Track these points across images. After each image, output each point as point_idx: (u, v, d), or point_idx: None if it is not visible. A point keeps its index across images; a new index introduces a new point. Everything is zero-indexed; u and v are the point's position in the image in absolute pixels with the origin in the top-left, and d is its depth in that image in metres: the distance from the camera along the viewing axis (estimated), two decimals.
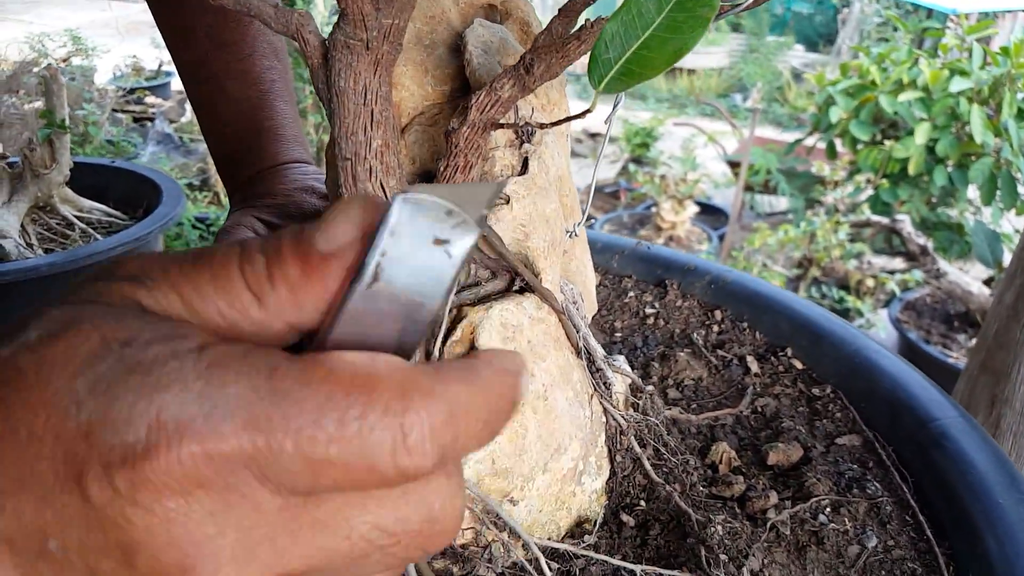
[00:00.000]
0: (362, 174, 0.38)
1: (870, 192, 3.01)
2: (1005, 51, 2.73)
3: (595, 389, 0.46)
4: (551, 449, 0.42)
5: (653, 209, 3.49)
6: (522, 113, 0.44)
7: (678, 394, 0.60)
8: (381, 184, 0.38)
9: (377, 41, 0.36)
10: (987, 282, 2.67)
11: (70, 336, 0.17)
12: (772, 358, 0.64)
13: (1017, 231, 2.73)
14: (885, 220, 2.70)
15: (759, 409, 0.60)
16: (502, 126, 0.37)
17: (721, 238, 3.40)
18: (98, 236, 1.34)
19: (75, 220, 1.34)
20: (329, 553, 0.17)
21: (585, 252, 0.53)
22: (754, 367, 0.63)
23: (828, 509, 0.51)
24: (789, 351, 0.65)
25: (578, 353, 0.45)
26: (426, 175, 0.43)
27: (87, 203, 1.39)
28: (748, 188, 3.62)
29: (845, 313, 2.80)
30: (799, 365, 0.64)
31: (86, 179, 1.49)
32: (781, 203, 3.82)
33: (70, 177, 1.36)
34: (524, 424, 0.40)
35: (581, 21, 0.39)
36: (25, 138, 1.19)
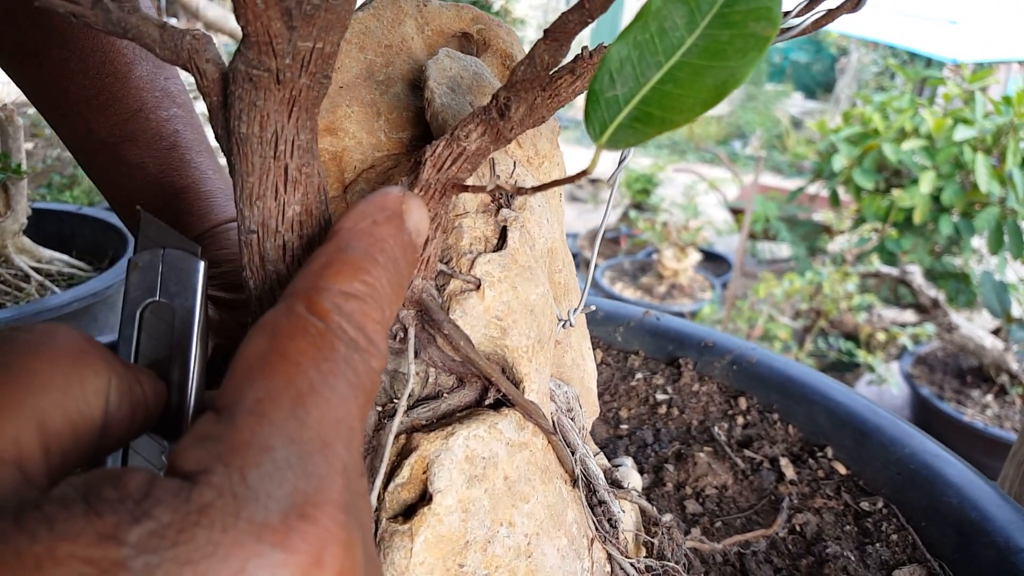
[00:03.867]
0: (272, 252, 0.27)
1: (875, 242, 2.94)
2: (1007, 100, 2.70)
3: (596, 530, 0.34)
4: None
5: (654, 256, 3.40)
6: (501, 169, 0.34)
7: (698, 507, 0.49)
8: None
9: (292, 72, 0.25)
10: (996, 331, 2.58)
11: None
12: (810, 460, 0.53)
13: (1022, 280, 2.66)
14: (895, 271, 2.61)
15: (798, 528, 0.48)
16: (468, 188, 0.27)
17: (724, 286, 3.30)
18: (56, 289, 1.24)
19: (31, 272, 1.23)
20: None
21: (584, 339, 0.42)
22: (789, 472, 0.52)
23: None
24: (829, 451, 0.53)
25: (574, 482, 0.34)
26: None
27: (47, 253, 1.29)
28: (750, 236, 3.55)
29: (855, 367, 2.68)
30: (842, 470, 0.52)
31: (50, 227, 1.40)
32: (783, 250, 3.74)
33: (32, 225, 1.26)
34: None
35: (576, 49, 0.29)
36: None
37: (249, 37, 0.25)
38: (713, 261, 3.76)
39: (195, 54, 0.27)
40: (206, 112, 0.28)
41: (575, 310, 0.36)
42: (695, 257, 3.35)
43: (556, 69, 0.27)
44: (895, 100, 3.10)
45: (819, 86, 7.13)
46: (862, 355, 2.60)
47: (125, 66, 0.53)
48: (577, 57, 0.28)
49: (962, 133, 2.69)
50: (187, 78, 1.77)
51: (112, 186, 0.55)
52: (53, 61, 0.52)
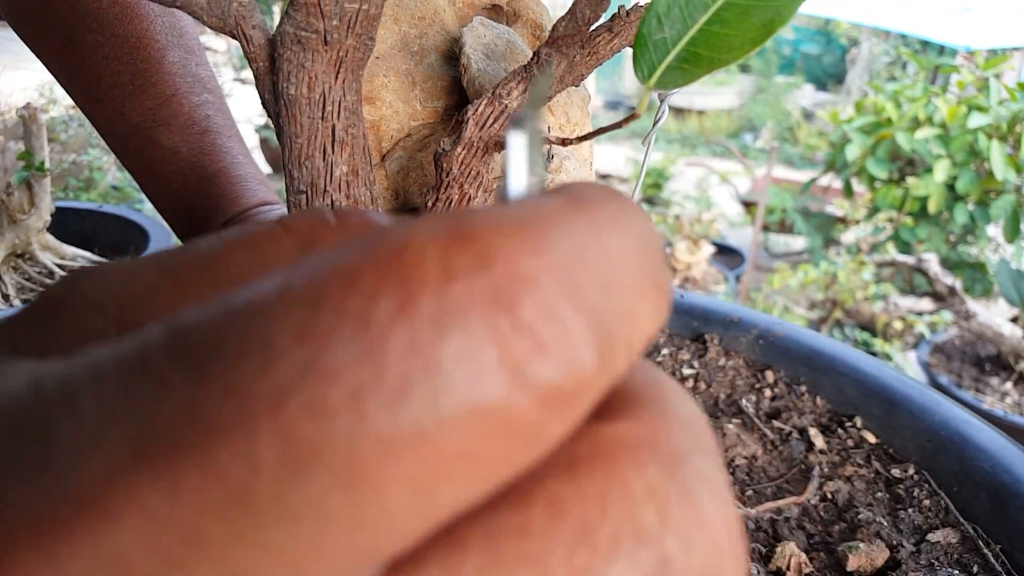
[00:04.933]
0: None
1: (890, 231, 2.92)
2: (1022, 86, 2.67)
3: None
4: None
5: (667, 250, 3.40)
6: None
7: (729, 477, 0.49)
8: None
9: (339, 33, 0.26)
10: (1014, 320, 2.56)
11: None
12: (839, 430, 0.53)
13: None
14: (910, 260, 2.60)
15: (829, 496, 0.49)
16: None
17: (738, 279, 3.29)
18: None
19: (56, 269, 1.25)
20: None
21: None
22: (818, 442, 0.52)
23: None
24: (858, 421, 0.54)
25: None
26: (412, 213, 0.33)
27: (70, 250, 1.31)
28: (764, 228, 3.54)
29: (872, 356, 2.67)
30: (871, 439, 0.53)
31: (72, 225, 1.41)
32: (797, 243, 3.73)
33: (54, 223, 1.28)
34: None
35: (613, 8, 0.29)
36: (4, 183, 1.11)
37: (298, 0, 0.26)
38: (726, 254, 3.75)
39: (241, 20, 0.28)
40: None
41: None
42: (708, 250, 3.34)
43: (595, 27, 0.28)
44: (908, 89, 3.08)
45: (830, 77, 7.09)
46: (879, 344, 2.59)
47: (158, 52, 0.54)
48: (614, 16, 0.28)
49: (976, 120, 2.67)
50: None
51: (146, 171, 0.56)
52: (88, 46, 0.53)
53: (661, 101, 0.32)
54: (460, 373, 0.07)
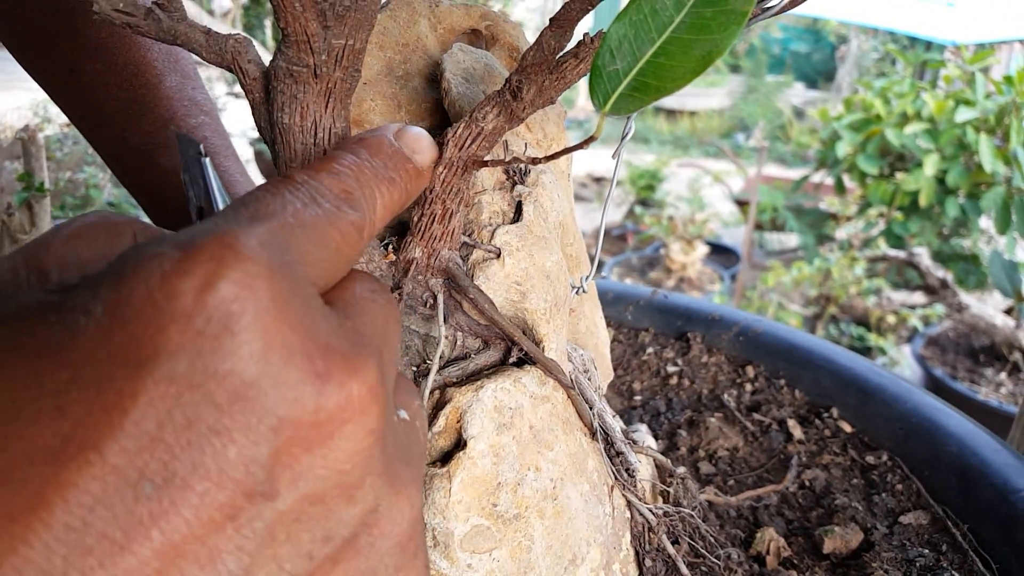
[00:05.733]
0: None
1: (882, 226, 2.95)
2: (1008, 80, 2.70)
3: (615, 478, 0.37)
4: (565, 561, 0.33)
5: (662, 251, 3.43)
6: (513, 150, 0.37)
7: (711, 468, 0.52)
8: None
9: (327, 67, 0.29)
10: (1007, 311, 2.59)
11: None
12: (816, 421, 0.56)
13: None
14: (902, 254, 2.63)
15: (807, 483, 0.51)
16: (487, 164, 0.30)
17: (733, 278, 3.32)
18: None
19: None
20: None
21: (596, 309, 0.45)
22: (797, 432, 0.54)
23: None
24: (835, 412, 0.56)
25: (593, 435, 0.37)
26: (399, 227, 0.35)
27: None
28: (757, 226, 3.56)
29: (867, 351, 2.70)
30: (848, 428, 0.55)
31: None
32: (791, 240, 3.76)
33: None
34: (529, 533, 0.32)
35: (578, 36, 0.32)
36: (4, 203, 1.13)
37: (289, 37, 0.29)
38: (721, 253, 3.78)
39: (238, 55, 0.31)
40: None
41: (587, 277, 0.39)
42: (702, 250, 3.37)
43: (562, 54, 0.30)
44: (896, 85, 3.11)
45: (820, 75, 7.14)
46: (873, 339, 2.62)
47: (156, 77, 0.56)
48: (580, 43, 0.31)
49: (964, 114, 2.69)
50: None
51: (147, 191, 0.58)
52: (89, 74, 0.55)
53: (628, 120, 0.34)
54: (330, 200, 0.21)
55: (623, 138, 0.34)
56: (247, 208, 0.18)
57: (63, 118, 3.91)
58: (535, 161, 0.27)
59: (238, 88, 4.00)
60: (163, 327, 0.14)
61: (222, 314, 0.14)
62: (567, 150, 0.26)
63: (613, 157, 0.34)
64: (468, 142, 0.30)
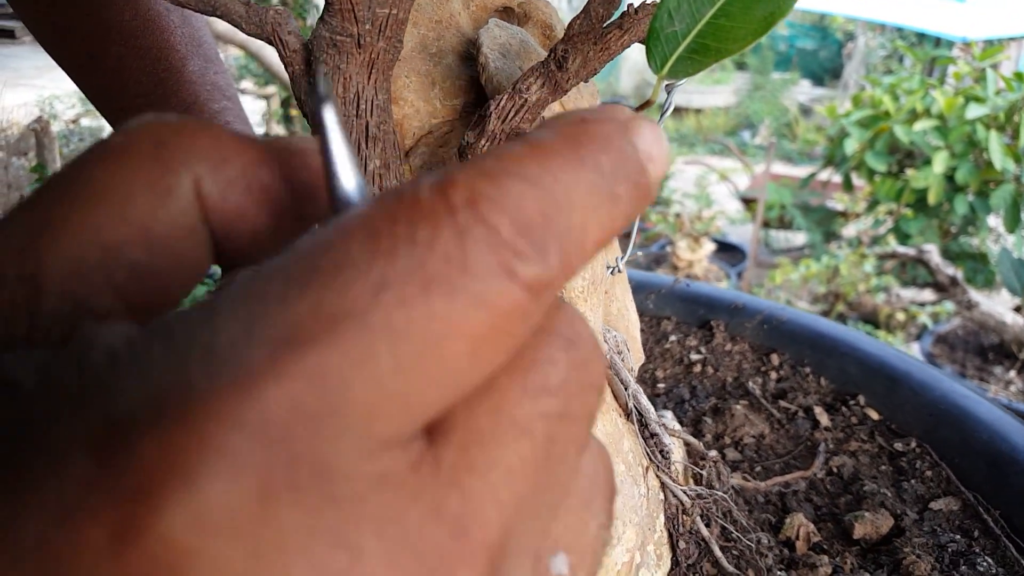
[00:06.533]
0: None
1: (890, 224, 2.94)
2: (1019, 76, 2.69)
3: (650, 460, 0.37)
4: None
5: (668, 248, 3.42)
6: None
7: (738, 455, 0.52)
8: None
9: (371, 36, 0.28)
10: (1016, 309, 2.57)
11: None
12: (843, 408, 0.55)
13: None
14: (911, 251, 2.62)
15: (835, 470, 0.51)
16: None
17: (739, 275, 3.31)
18: None
19: None
20: (520, 477, 0.11)
21: (627, 292, 0.44)
22: (823, 420, 0.54)
23: None
24: (861, 399, 0.56)
25: (627, 416, 0.37)
26: None
27: None
28: (764, 224, 3.55)
29: None
30: (875, 415, 0.55)
31: None
32: (797, 239, 3.74)
33: None
34: None
35: (623, 6, 0.31)
36: (13, 199, 1.13)
37: (332, 6, 0.28)
38: (728, 251, 3.77)
39: (278, 27, 0.31)
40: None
41: (623, 257, 0.39)
42: (709, 247, 3.36)
43: (606, 24, 0.30)
44: (905, 81, 3.09)
45: (826, 73, 7.12)
46: (882, 336, 2.61)
47: (179, 62, 0.56)
48: (624, 13, 0.30)
49: (974, 111, 2.67)
50: None
51: None
52: (112, 58, 0.55)
53: (668, 93, 0.34)
54: (478, 273, 0.10)
55: (663, 114, 0.34)
56: (303, 292, 0.10)
57: (69, 114, 3.92)
58: None
59: (242, 84, 4.01)
60: None
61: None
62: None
63: (660, 119, 0.34)
64: (511, 114, 0.30)
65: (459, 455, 0.11)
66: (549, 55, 0.29)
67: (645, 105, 0.23)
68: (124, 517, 0.08)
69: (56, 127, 3.66)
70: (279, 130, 3.46)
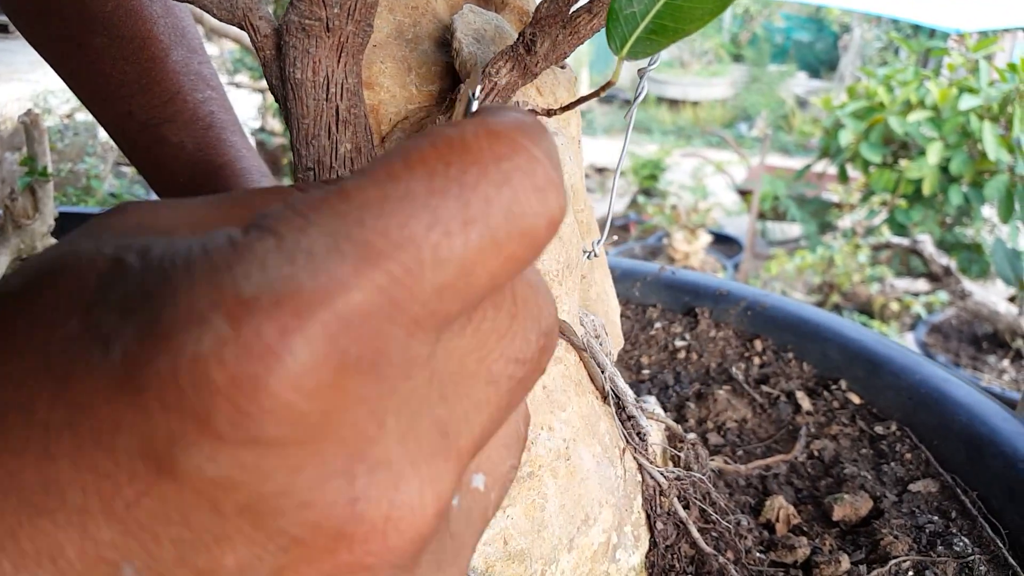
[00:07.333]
0: None
1: (885, 215, 2.94)
2: (1012, 67, 2.69)
3: (627, 441, 0.38)
4: (577, 521, 0.34)
5: (664, 240, 3.42)
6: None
7: (720, 439, 0.52)
8: None
9: (340, 20, 0.29)
10: (1010, 299, 2.58)
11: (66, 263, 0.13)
12: (824, 393, 0.56)
13: None
14: (905, 241, 2.62)
15: (816, 453, 0.51)
16: None
17: (736, 267, 3.32)
18: None
19: None
20: (484, 412, 0.14)
21: (606, 277, 0.45)
22: (805, 404, 0.54)
23: (911, 573, 0.43)
24: (843, 384, 0.56)
25: (604, 398, 0.37)
26: None
27: None
28: (760, 216, 3.56)
29: None
30: (856, 399, 0.55)
31: (74, 229, 1.44)
32: (793, 230, 3.75)
33: (59, 228, 1.30)
34: (542, 492, 0.32)
35: None
36: (5, 192, 1.13)
37: None
38: (724, 243, 3.77)
39: (249, 12, 0.31)
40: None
41: (598, 241, 0.39)
42: (705, 239, 3.36)
43: (575, 8, 0.30)
44: (899, 73, 3.09)
45: (823, 65, 7.11)
46: (876, 326, 2.61)
47: (162, 51, 0.56)
48: None
49: (968, 102, 2.68)
50: None
51: (154, 167, 0.58)
52: (95, 48, 0.55)
53: (641, 78, 0.34)
54: (519, 202, 0.12)
55: (635, 98, 0.34)
56: (377, 219, 0.12)
57: (63, 109, 3.91)
58: (549, 113, 0.27)
59: (239, 78, 4.00)
60: (185, 436, 0.11)
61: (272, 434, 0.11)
62: (583, 99, 0.26)
63: (626, 118, 0.34)
64: (481, 98, 0.30)
65: (452, 371, 0.14)
66: (518, 39, 0.29)
67: (608, 85, 0.24)
68: (245, 371, 0.11)
69: (50, 122, 3.65)
70: (275, 124, 3.45)
